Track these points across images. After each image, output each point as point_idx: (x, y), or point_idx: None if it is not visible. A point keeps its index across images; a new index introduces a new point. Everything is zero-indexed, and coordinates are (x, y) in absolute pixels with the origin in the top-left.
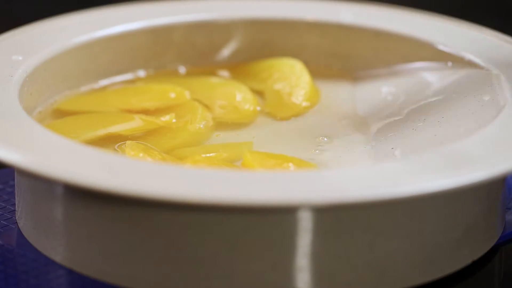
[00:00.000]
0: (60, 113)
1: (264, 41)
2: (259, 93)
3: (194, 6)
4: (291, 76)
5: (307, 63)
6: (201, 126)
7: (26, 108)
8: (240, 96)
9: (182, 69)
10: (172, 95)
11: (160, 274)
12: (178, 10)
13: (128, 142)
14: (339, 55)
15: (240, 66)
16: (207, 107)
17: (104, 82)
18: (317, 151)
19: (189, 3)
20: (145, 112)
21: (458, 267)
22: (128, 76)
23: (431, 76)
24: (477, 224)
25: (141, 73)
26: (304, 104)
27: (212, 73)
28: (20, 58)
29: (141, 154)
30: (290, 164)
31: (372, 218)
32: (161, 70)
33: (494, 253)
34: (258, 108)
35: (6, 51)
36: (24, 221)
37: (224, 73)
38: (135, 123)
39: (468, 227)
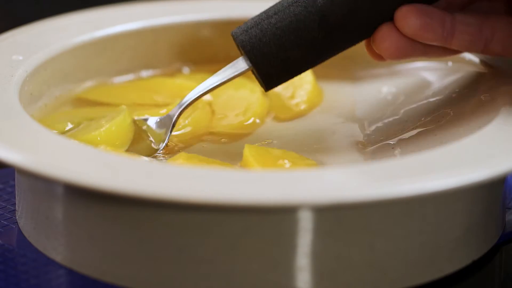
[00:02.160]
0: (78, 101)
1: None
2: (262, 93)
3: (195, 6)
4: None
5: None
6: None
7: (26, 107)
8: (250, 109)
9: (181, 68)
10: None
11: (160, 274)
12: (178, 10)
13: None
14: (339, 55)
15: None
16: (214, 113)
17: (109, 80)
18: (317, 151)
19: (189, 3)
20: (157, 106)
21: (458, 267)
22: (128, 75)
23: (431, 76)
24: (477, 224)
25: (141, 72)
26: (307, 104)
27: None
28: (21, 58)
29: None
30: (290, 159)
31: (372, 218)
32: (169, 69)
33: (494, 253)
34: (258, 121)
35: (6, 51)
36: (25, 221)
37: None
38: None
39: (468, 227)
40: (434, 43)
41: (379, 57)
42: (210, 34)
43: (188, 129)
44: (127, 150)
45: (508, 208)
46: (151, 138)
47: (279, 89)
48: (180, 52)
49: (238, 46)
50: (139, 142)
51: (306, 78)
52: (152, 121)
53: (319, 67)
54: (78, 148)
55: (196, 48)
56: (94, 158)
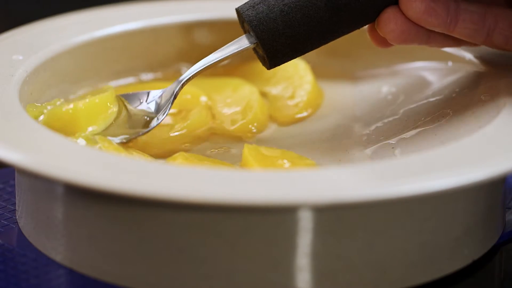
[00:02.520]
0: None
1: None
2: (262, 95)
3: (194, 6)
4: (294, 76)
5: (307, 63)
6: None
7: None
8: (250, 112)
9: (181, 69)
10: (188, 96)
11: (161, 274)
12: (178, 10)
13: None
14: (339, 55)
15: (243, 65)
16: (214, 116)
17: (106, 81)
18: (317, 151)
19: (189, 3)
20: None
21: (458, 267)
22: (127, 75)
23: (431, 76)
24: (477, 224)
25: (141, 73)
26: (307, 104)
27: (216, 73)
28: (20, 57)
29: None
30: (289, 159)
31: (372, 218)
32: (166, 69)
33: (494, 253)
34: (254, 130)
35: (6, 51)
36: (25, 221)
37: (228, 73)
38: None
39: (468, 227)
40: (437, 29)
41: (383, 43)
42: (210, 35)
43: (185, 132)
44: (113, 123)
45: (508, 208)
46: (146, 117)
47: (278, 89)
48: (180, 52)
49: (243, 22)
50: (132, 117)
51: (306, 78)
52: (152, 95)
53: (319, 67)
54: (78, 148)
55: (196, 49)
56: (94, 158)
